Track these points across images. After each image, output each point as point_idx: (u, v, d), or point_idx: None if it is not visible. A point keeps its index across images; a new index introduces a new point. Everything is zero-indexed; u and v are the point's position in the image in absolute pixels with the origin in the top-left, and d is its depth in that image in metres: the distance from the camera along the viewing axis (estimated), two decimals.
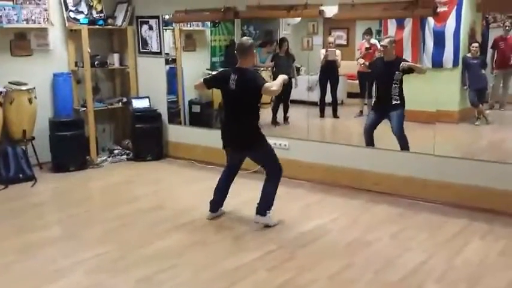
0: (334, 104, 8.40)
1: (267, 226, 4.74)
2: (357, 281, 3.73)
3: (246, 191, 5.53)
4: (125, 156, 7.38)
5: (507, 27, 9.33)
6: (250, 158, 4.91)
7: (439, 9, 7.49)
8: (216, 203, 5.02)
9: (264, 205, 4.74)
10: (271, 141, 6.38)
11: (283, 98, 8.09)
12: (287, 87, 7.90)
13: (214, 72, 8.25)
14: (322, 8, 5.69)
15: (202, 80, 5.04)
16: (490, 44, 8.81)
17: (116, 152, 7.44)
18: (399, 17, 5.55)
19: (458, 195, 5.17)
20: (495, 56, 8.85)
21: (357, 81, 8.46)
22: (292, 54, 8.41)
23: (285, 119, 8.38)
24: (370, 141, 6.15)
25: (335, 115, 8.42)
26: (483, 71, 8.02)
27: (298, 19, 9.28)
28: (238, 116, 4.68)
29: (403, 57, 6.80)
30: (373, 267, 3.94)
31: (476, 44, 7.73)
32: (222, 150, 4.98)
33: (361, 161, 5.81)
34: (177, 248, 4.34)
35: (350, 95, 8.88)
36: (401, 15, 5.42)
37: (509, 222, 4.76)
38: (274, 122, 8.30)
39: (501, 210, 4.91)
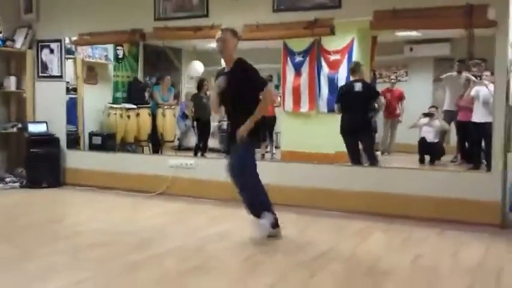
0: None
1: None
2: (268, 262, 3.75)
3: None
4: (18, 184, 6.91)
5: (392, 81, 10.21)
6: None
7: (332, 58, 8.14)
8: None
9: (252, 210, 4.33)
10: (177, 161, 6.45)
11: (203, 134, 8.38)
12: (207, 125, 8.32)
13: (118, 106, 8.30)
14: None
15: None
16: None
17: (7, 180, 6.95)
18: (301, 36, 5.84)
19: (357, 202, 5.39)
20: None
21: None
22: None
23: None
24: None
25: None
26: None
27: (201, 72, 9.63)
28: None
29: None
30: (283, 251, 3.98)
31: None
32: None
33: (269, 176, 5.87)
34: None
35: None
36: (303, 35, 5.72)
37: (407, 222, 4.99)
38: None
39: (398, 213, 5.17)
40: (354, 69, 6.84)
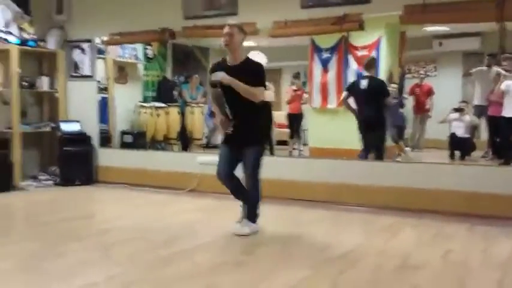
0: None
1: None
2: (298, 257, 3.79)
3: None
4: (51, 182, 7.07)
5: (422, 76, 10.13)
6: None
7: (360, 54, 8.10)
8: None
9: (251, 211, 4.42)
10: (206, 158, 6.52)
11: None
12: None
13: (148, 104, 8.45)
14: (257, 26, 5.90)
15: None
16: (406, 90, 9.48)
17: (41, 178, 7.13)
18: (329, 32, 5.84)
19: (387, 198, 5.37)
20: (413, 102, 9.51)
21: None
22: None
23: None
24: None
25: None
26: (401, 110, 8.53)
27: None
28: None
29: None
30: (314, 247, 4.01)
31: (394, 85, 8.17)
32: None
33: (296, 172, 5.91)
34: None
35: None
36: (331, 31, 5.72)
37: (436, 217, 4.95)
38: None
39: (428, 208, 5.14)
40: (368, 64, 6.71)
